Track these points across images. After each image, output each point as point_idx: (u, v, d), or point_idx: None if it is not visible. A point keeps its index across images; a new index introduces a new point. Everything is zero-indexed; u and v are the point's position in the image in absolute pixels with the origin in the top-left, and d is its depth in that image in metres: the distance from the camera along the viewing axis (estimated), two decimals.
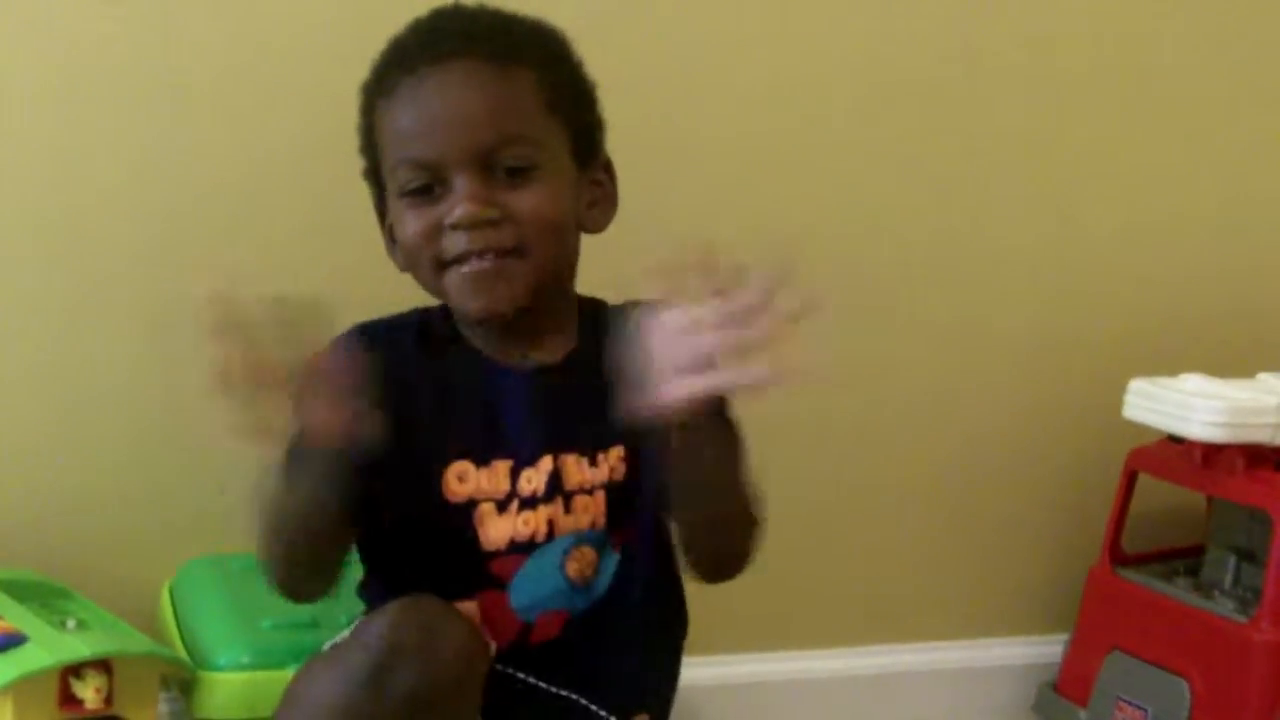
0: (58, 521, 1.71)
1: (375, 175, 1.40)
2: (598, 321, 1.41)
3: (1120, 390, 1.92)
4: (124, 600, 1.66)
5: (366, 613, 1.41)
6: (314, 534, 1.30)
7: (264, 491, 1.27)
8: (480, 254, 1.31)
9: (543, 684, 1.38)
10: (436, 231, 1.32)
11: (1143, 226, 2.09)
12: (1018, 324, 2.05)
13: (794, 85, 1.92)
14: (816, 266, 1.87)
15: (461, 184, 1.31)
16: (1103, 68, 2.05)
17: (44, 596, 1.59)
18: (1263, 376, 1.94)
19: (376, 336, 1.36)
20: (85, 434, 1.72)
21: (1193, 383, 1.89)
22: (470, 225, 1.30)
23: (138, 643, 1.53)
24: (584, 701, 1.39)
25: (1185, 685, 1.83)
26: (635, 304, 1.41)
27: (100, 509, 1.73)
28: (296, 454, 1.23)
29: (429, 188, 1.32)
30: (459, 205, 1.30)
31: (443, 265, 1.33)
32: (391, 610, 1.25)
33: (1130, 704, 1.89)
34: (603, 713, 1.40)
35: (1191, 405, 1.84)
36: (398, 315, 1.41)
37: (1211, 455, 1.87)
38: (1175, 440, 1.91)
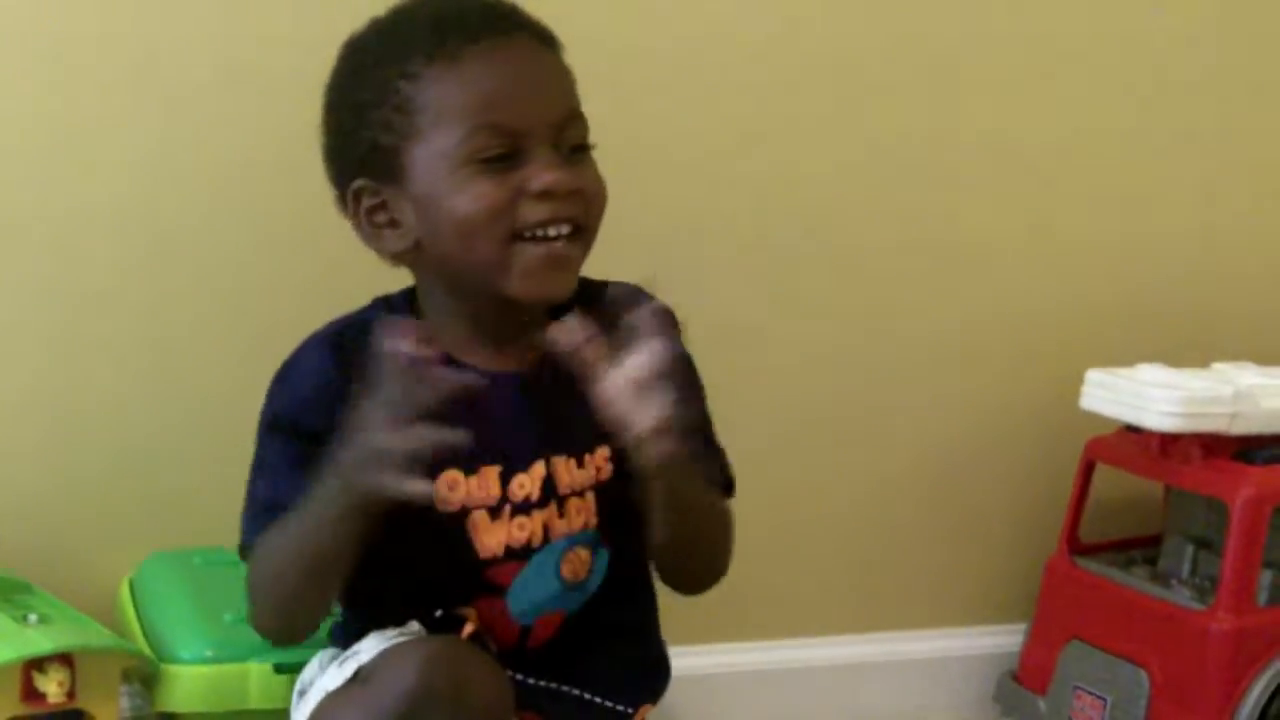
0: (18, 517, 1.69)
1: (384, 153, 1.31)
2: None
3: (1077, 381, 1.94)
4: (85, 595, 1.65)
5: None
6: (327, 572, 1.26)
7: (285, 530, 1.25)
8: (560, 224, 1.29)
9: (556, 685, 1.38)
10: (514, 200, 1.28)
11: (1101, 219, 2.10)
12: (975, 315, 2.06)
13: (764, 75, 1.92)
14: (775, 258, 1.93)
15: (544, 153, 1.28)
16: (1070, 63, 2.06)
17: (5, 591, 1.58)
18: (1218, 366, 1.95)
19: (347, 345, 1.32)
20: (44, 430, 1.71)
21: (1149, 373, 1.91)
22: (565, 193, 1.28)
23: (100, 637, 1.53)
24: (598, 699, 1.39)
25: (1144, 674, 1.85)
26: (602, 283, 1.40)
27: (60, 504, 1.71)
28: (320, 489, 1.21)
29: (508, 156, 1.28)
30: (548, 172, 1.27)
31: (514, 237, 1.28)
32: (421, 653, 1.23)
33: (1089, 693, 1.90)
34: (619, 707, 1.39)
35: (1148, 395, 1.85)
36: (360, 314, 1.37)
37: (1168, 445, 1.88)
38: (1132, 430, 1.93)
